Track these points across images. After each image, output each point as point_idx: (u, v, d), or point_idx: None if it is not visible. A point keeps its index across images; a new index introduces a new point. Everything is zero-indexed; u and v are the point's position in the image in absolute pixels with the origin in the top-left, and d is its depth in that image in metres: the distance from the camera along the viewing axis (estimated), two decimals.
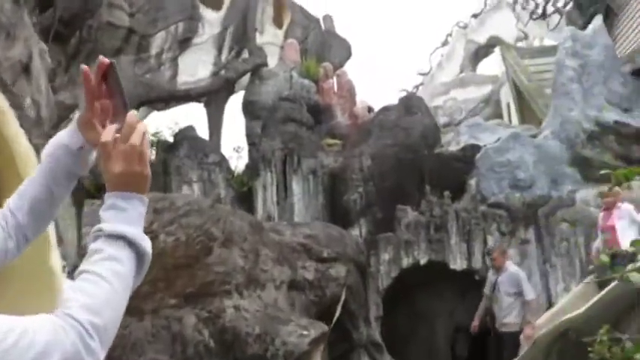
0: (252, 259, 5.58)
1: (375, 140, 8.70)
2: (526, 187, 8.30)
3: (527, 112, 12.38)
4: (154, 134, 11.15)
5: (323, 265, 6.19)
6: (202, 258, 5.35)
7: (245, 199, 9.01)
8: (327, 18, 14.25)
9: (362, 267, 7.04)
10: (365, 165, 8.24)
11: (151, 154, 10.51)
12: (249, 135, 10.39)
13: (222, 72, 11.81)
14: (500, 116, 14.27)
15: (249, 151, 9.69)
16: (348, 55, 13.98)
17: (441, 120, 13.47)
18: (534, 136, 8.65)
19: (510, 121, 13.66)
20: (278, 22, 13.31)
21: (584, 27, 11.90)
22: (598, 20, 11.50)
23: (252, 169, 8.98)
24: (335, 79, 11.40)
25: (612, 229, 5.62)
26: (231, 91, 12.24)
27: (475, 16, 16.18)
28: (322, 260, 6.14)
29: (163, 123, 12.10)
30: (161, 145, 9.71)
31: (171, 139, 10.13)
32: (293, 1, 13.18)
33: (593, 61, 8.73)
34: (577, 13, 12.55)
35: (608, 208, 5.78)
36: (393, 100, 11.10)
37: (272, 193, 8.71)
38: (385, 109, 9.30)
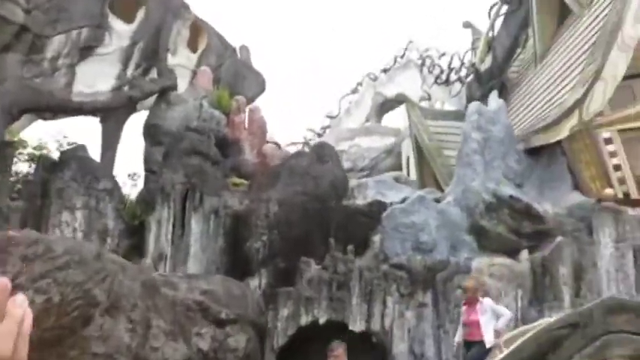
0: (142, 332, 4.63)
1: (283, 186, 7.80)
2: (427, 250, 8.27)
3: (426, 168, 12.67)
4: (36, 147, 9.76)
5: (221, 332, 5.31)
6: (79, 329, 4.26)
7: (135, 233, 7.64)
8: (244, 49, 13.68)
9: (262, 330, 6.39)
10: (272, 211, 7.47)
11: (31, 171, 9.13)
12: (148, 161, 9.01)
13: (126, 88, 10.64)
14: (399, 168, 14.51)
15: (146, 179, 8.54)
16: (262, 89, 13.43)
17: (345, 165, 13.46)
18: (438, 201, 8.80)
19: (409, 173, 13.97)
20: (193, 45, 12.45)
21: (481, 98, 12.56)
22: (495, 96, 12.20)
23: (147, 201, 7.85)
24: (247, 113, 10.91)
25: (476, 323, 5.67)
26: (132, 109, 11.15)
27: (385, 71, 16.50)
28: (220, 323, 5.46)
29: (49, 134, 10.65)
30: (44, 162, 8.28)
31: (56, 156, 8.73)
32: (212, 26, 12.77)
33: (494, 136, 9.05)
34: (476, 86, 13.21)
35: (470, 303, 5.79)
36: (299, 138, 10.82)
37: (167, 230, 7.73)
38: (297, 155, 8.45)
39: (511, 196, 8.14)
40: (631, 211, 8.05)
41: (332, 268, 7.21)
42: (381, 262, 7.62)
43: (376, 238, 7.94)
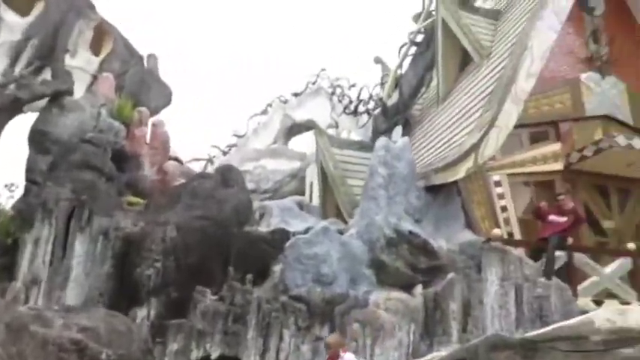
0: None
1: (183, 208, 7.37)
2: (328, 282, 8.06)
3: (329, 195, 12.60)
4: None
5: None
6: None
7: (7, 252, 6.84)
8: (152, 57, 12.84)
9: None
10: (168, 235, 6.98)
11: None
12: (31, 171, 7.98)
13: (12, 87, 9.58)
14: (303, 192, 14.37)
15: (26, 191, 7.61)
16: (167, 101, 12.69)
17: (248, 186, 13.08)
18: (341, 232, 8.72)
19: (311, 199, 13.87)
20: (95, 48, 11.42)
21: (386, 132, 12.88)
22: (399, 130, 12.55)
23: (24, 216, 7.04)
24: (150, 127, 10.18)
25: None
26: (17, 111, 9.99)
27: (296, 95, 16.60)
28: None
29: None
30: None
31: None
32: (118, 31, 11.84)
33: (399, 172, 9.19)
34: (382, 119, 13.52)
35: (332, 358, 5.74)
36: (202, 154, 10.27)
37: (45, 250, 6.83)
38: (201, 176, 7.94)
39: (410, 232, 8.25)
40: (514, 251, 8.47)
41: (229, 299, 6.80)
42: (280, 293, 7.33)
43: (277, 268, 7.65)
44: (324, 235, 7.88)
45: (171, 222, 7.16)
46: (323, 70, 15.81)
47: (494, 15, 11.78)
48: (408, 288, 7.93)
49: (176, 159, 10.25)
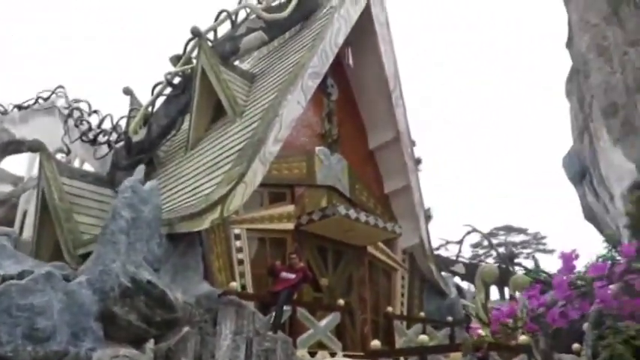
0: None
1: None
2: (43, 338, 6.78)
3: (47, 230, 10.88)
4: None
5: None
6: None
7: None
8: None
9: None
10: None
11: None
12: None
13: None
14: (12, 222, 12.20)
15: None
16: None
17: None
18: (67, 279, 7.48)
19: (22, 231, 11.83)
20: None
21: (126, 169, 11.99)
22: (141, 169, 11.82)
23: None
24: None
25: None
26: None
27: (19, 107, 14.00)
28: None
29: None
30: None
31: None
32: None
33: (144, 217, 8.49)
34: (125, 155, 12.47)
35: None
36: None
37: None
38: None
39: (149, 282, 7.69)
40: (249, 305, 8.74)
41: None
42: None
43: None
44: (47, 282, 6.70)
45: None
46: (61, 87, 13.91)
47: (250, 77, 12.49)
48: (139, 343, 7.29)
49: None
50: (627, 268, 2.31)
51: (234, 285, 8.71)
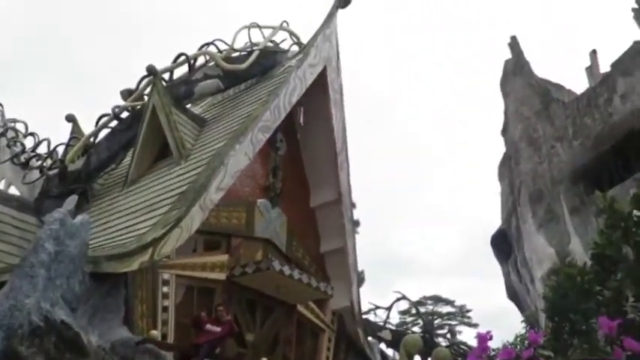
0: None
1: None
2: None
3: None
4: None
5: None
6: None
7: None
8: None
9: None
10: None
11: None
12: None
13: None
14: None
15: None
16: None
17: None
18: None
19: None
20: None
21: (57, 197, 11.46)
22: (73, 200, 11.35)
23: None
24: None
25: None
26: None
27: None
28: None
29: None
30: None
31: None
32: None
33: (69, 252, 7.99)
34: (58, 183, 11.94)
35: None
36: None
37: None
38: None
39: (63, 322, 7.21)
40: (168, 355, 8.34)
41: None
42: None
43: None
44: None
45: None
46: None
47: (201, 122, 12.51)
48: None
49: None
50: (533, 355, 2.48)
51: (155, 333, 8.32)
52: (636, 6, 24.88)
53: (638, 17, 24.87)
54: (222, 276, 10.08)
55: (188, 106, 12.67)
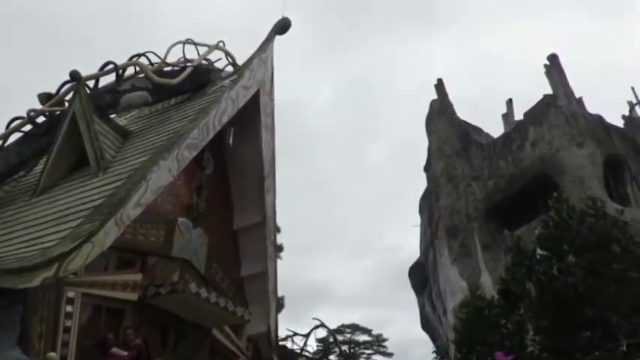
0: None
1: None
2: None
3: None
4: None
5: None
6: None
7: None
8: None
9: None
10: None
11: None
12: None
13: None
14: None
15: None
16: None
17: None
18: None
19: None
20: None
21: None
22: None
23: None
24: None
25: None
26: None
27: None
28: None
29: None
30: None
31: None
32: None
33: None
34: None
35: None
36: None
37: None
38: None
39: None
40: None
41: None
42: None
43: None
44: None
45: None
46: None
47: (125, 134, 12.00)
48: None
49: None
50: None
51: (53, 355, 7.66)
52: (547, 62, 27.20)
53: (549, 73, 27.19)
54: (133, 296, 9.54)
55: (112, 116, 12.12)
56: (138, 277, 9.86)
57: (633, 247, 11.06)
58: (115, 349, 8.09)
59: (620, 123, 27.54)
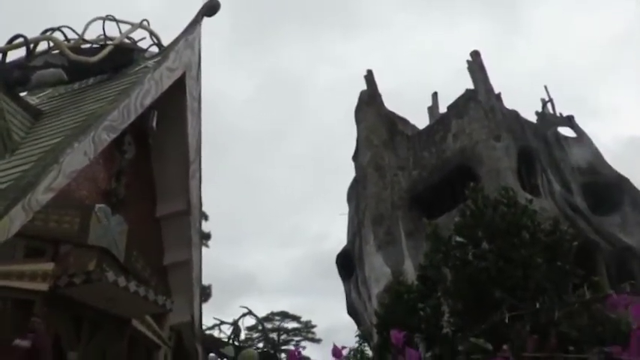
0: None
1: None
2: None
3: None
4: None
5: None
6: None
7: None
8: None
9: None
10: None
11: None
12: None
13: None
14: None
15: None
16: None
17: None
18: None
19: None
20: None
21: None
22: None
23: None
24: None
25: None
26: None
27: None
28: None
29: None
30: None
31: None
32: None
33: None
34: None
35: None
36: None
37: None
38: None
39: None
40: None
41: None
42: None
43: None
44: None
45: None
46: None
47: (36, 114, 11.14)
48: None
49: None
50: None
51: None
52: (470, 59, 28.34)
53: (471, 69, 28.36)
54: (44, 287, 8.91)
55: (22, 94, 11.19)
56: (49, 266, 9.21)
57: (540, 234, 11.81)
58: (17, 341, 7.51)
59: (534, 119, 29.34)
